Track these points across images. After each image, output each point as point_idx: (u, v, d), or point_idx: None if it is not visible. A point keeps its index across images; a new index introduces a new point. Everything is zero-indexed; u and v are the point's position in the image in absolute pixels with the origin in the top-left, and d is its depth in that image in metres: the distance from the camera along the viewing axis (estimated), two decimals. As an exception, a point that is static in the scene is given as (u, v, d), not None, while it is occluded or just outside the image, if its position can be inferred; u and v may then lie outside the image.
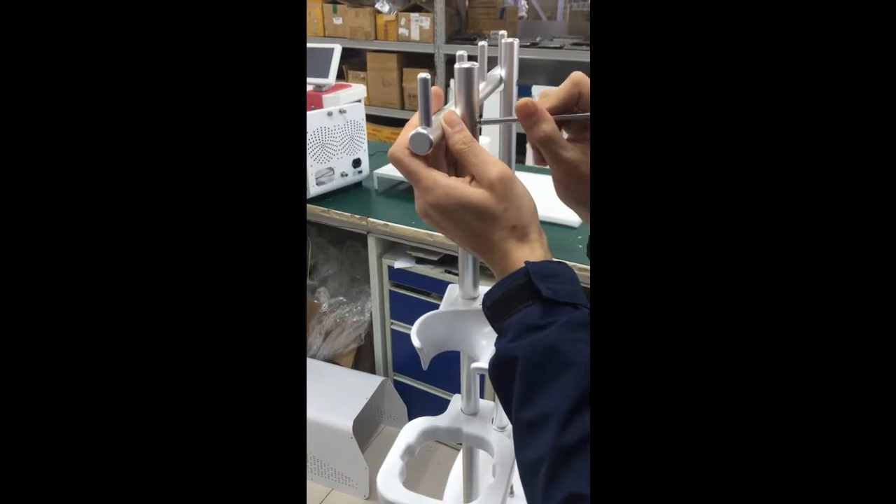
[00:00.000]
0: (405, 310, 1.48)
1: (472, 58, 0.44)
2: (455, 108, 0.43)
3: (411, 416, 1.43)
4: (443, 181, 0.40)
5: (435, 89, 0.41)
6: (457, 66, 0.42)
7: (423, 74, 0.39)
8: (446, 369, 1.47)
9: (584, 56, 2.47)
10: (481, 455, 0.66)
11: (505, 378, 0.37)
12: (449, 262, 1.39)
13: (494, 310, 0.39)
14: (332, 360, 1.66)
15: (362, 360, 1.67)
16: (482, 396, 0.61)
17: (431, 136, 0.39)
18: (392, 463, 0.53)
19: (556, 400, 0.34)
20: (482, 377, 0.65)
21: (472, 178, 0.40)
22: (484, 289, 0.56)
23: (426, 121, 0.39)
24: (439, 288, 1.40)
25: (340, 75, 1.82)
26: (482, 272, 0.57)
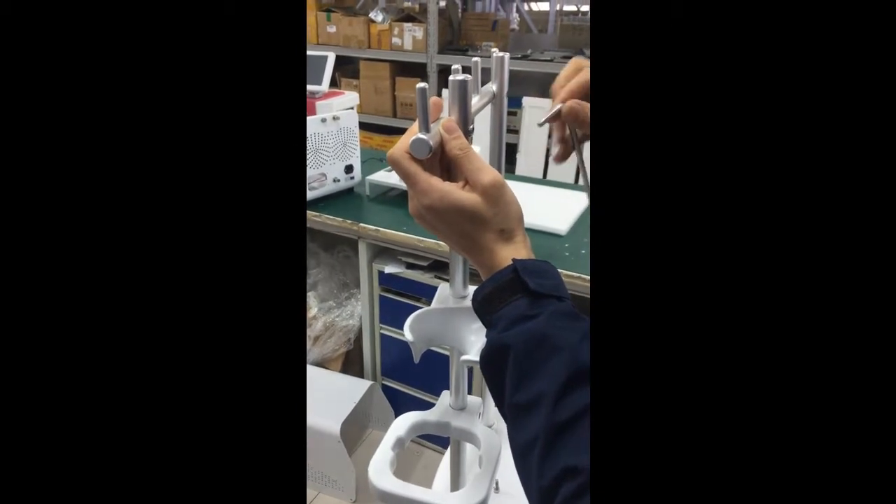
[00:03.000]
0: (395, 314, 1.50)
1: (465, 69, 0.47)
2: (450, 118, 0.46)
3: (399, 420, 1.45)
4: (438, 185, 0.42)
5: (434, 99, 0.43)
6: (451, 78, 0.45)
7: (422, 84, 0.42)
8: (434, 374, 1.49)
9: (574, 69, 2.52)
10: (468, 452, 0.68)
11: (497, 366, 0.40)
12: (439, 267, 1.41)
13: (484, 304, 0.42)
14: (320, 364, 1.68)
15: (351, 364, 1.69)
16: (470, 392, 0.64)
17: (431, 142, 0.42)
18: (383, 454, 0.55)
19: (548, 382, 0.36)
20: (470, 374, 0.67)
21: (466, 183, 0.43)
22: (473, 288, 0.59)
23: (425, 127, 0.42)
24: (429, 293, 1.41)
25: (333, 83, 1.85)
26: (472, 273, 0.59)
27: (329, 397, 1.49)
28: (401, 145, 0.43)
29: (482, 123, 0.51)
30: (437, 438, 1.48)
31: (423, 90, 0.41)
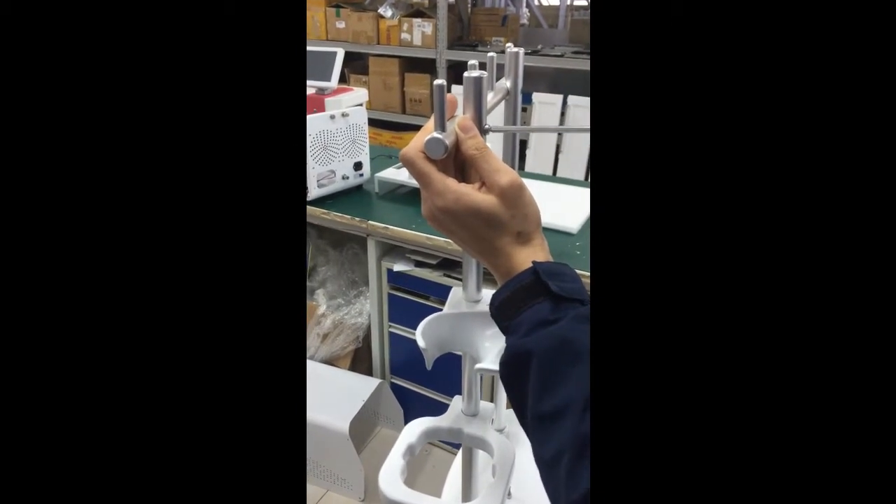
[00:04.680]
0: (403, 312, 1.49)
1: (481, 65, 0.45)
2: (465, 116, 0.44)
3: (408, 419, 1.44)
4: (453, 186, 0.41)
5: (450, 96, 0.42)
6: (466, 74, 0.43)
7: (439, 81, 0.40)
8: (443, 373, 1.48)
9: (585, 64, 2.50)
10: (479, 457, 0.67)
11: (518, 374, 0.38)
12: (448, 265, 1.40)
13: (503, 309, 0.40)
14: (329, 361, 1.67)
15: (359, 362, 1.68)
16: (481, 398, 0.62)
17: (447, 142, 0.40)
18: (394, 462, 0.53)
19: (574, 390, 0.35)
20: (482, 379, 0.66)
21: (482, 184, 0.42)
22: (487, 291, 0.57)
23: (441, 126, 0.40)
24: (438, 291, 1.40)
25: (342, 79, 1.84)
26: (485, 276, 0.58)
27: (337, 395, 1.49)
28: (415, 144, 0.41)
29: (494, 121, 0.50)
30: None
31: (441, 87, 0.40)
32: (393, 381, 1.61)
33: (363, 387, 1.52)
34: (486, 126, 0.45)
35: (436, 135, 0.40)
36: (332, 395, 1.48)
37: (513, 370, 0.39)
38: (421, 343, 0.52)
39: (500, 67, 0.55)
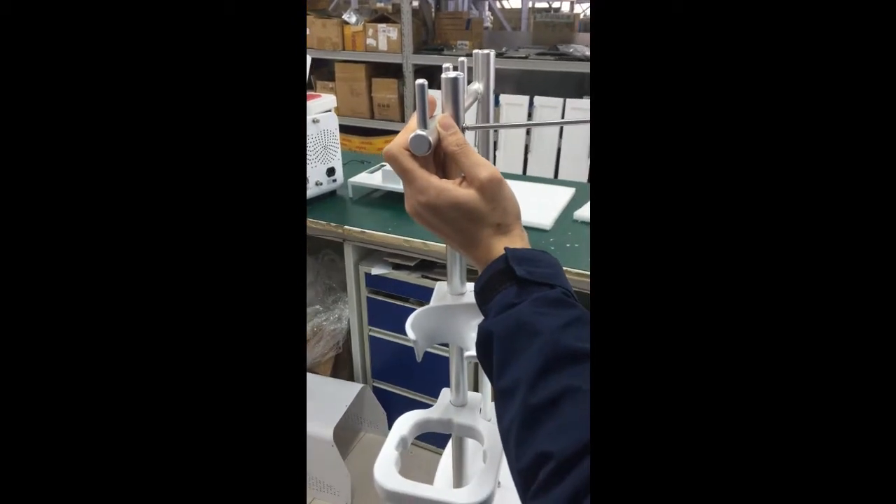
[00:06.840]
0: (383, 316, 1.50)
1: (454, 68, 0.47)
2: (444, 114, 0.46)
3: (391, 423, 1.44)
4: (435, 182, 0.43)
5: (430, 97, 0.44)
6: (443, 76, 0.45)
7: (421, 81, 0.42)
8: (424, 374, 1.49)
9: (548, 66, 2.55)
10: (469, 447, 0.68)
11: (485, 354, 0.41)
12: (426, 267, 1.41)
13: (481, 294, 0.43)
14: (310, 369, 1.66)
15: (340, 367, 1.68)
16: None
17: (430, 139, 0.42)
18: (387, 453, 0.55)
19: (524, 367, 0.37)
20: (466, 370, 0.67)
21: (463, 179, 0.43)
22: (470, 285, 0.59)
23: (424, 124, 0.42)
24: (416, 293, 1.42)
25: (309, 86, 1.83)
26: (469, 270, 0.60)
27: (320, 402, 1.49)
28: (398, 141, 0.43)
29: (467, 122, 0.51)
30: (430, 438, 1.48)
31: (422, 86, 0.41)
32: (375, 384, 1.61)
33: (345, 392, 1.52)
34: (464, 124, 0.47)
35: (420, 132, 0.41)
36: (315, 403, 1.48)
37: (481, 350, 0.41)
38: (411, 335, 0.53)
39: (470, 71, 0.57)
